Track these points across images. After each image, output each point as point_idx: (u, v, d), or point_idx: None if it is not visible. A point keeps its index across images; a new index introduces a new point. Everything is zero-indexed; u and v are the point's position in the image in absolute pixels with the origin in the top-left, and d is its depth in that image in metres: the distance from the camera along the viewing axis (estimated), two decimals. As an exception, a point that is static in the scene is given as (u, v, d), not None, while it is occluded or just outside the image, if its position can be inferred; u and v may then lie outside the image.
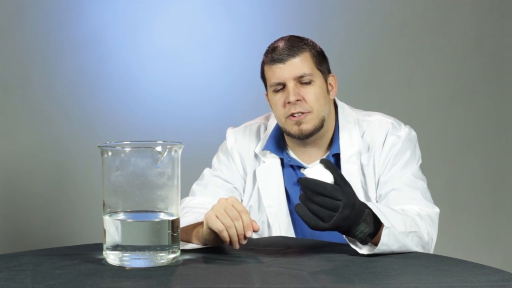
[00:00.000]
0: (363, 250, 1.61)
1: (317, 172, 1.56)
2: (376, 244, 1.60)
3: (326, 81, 1.94)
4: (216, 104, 3.09)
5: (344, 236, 1.62)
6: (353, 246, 1.62)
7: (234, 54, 3.10)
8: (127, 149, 1.51)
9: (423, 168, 1.94)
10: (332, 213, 1.53)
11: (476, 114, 3.39)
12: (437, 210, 1.83)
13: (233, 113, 3.04)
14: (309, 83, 1.89)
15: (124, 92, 3.02)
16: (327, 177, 1.55)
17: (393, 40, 3.28)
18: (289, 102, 1.87)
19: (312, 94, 1.88)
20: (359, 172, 1.91)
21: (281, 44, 1.91)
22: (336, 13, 3.21)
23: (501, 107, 3.43)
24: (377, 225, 1.61)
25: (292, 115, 1.88)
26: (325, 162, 1.57)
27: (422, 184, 1.88)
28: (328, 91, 1.94)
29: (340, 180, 1.56)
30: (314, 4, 3.17)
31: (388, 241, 1.59)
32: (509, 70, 3.42)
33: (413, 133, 1.96)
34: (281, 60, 1.88)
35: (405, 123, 1.99)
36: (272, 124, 2.02)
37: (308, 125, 1.88)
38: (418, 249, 1.68)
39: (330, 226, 1.54)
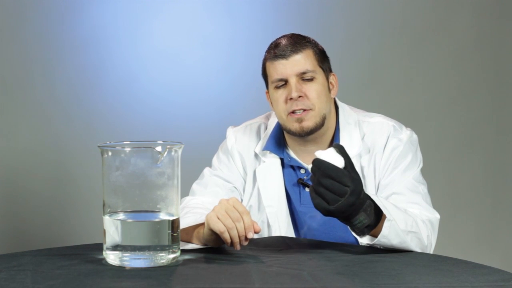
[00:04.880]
0: (364, 239, 1.62)
1: (329, 155, 1.56)
2: (375, 236, 1.60)
3: (327, 79, 1.94)
4: (216, 104, 3.09)
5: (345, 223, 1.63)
6: (354, 234, 1.63)
7: (234, 54, 3.10)
8: (127, 149, 1.51)
9: (423, 168, 1.94)
10: (338, 198, 1.53)
11: (476, 114, 3.39)
12: (437, 215, 1.82)
13: (233, 113, 3.04)
14: (311, 79, 1.89)
15: (124, 92, 3.02)
16: (338, 161, 1.55)
17: (393, 40, 3.28)
18: (291, 99, 1.87)
19: (314, 91, 1.88)
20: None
21: (283, 41, 1.91)
22: (336, 13, 3.21)
23: (501, 107, 3.43)
24: (377, 218, 1.61)
25: (294, 112, 1.87)
26: (338, 147, 1.57)
27: (423, 188, 1.88)
28: (329, 90, 1.94)
29: (349, 166, 1.56)
30: (314, 4, 3.17)
31: (388, 234, 1.60)
32: (509, 70, 3.42)
33: (414, 136, 1.95)
34: (284, 56, 1.88)
35: (405, 123, 1.98)
36: (272, 123, 2.01)
37: (309, 122, 1.88)
38: (417, 250, 1.68)
39: (334, 209, 1.54)
